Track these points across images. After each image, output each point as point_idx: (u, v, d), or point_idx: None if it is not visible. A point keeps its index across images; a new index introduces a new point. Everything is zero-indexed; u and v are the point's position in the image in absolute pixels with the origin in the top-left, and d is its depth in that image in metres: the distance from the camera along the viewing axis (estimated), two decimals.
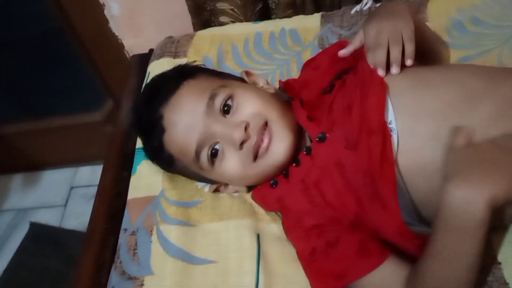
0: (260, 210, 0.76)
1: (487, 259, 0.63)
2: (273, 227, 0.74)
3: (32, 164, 1.75)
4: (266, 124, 0.69)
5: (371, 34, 0.69)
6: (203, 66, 0.85)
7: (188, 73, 0.75)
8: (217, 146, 0.69)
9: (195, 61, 0.92)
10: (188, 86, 0.72)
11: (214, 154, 0.70)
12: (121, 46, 1.25)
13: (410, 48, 0.67)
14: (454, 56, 0.89)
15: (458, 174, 0.52)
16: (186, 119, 0.69)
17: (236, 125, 0.67)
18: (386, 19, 0.70)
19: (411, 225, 0.62)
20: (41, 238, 1.59)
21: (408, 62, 0.67)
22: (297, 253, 0.69)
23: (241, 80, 0.79)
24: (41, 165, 1.76)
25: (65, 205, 1.64)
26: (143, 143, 0.80)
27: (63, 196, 1.66)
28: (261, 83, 0.80)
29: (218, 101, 0.69)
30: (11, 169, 1.76)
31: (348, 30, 0.97)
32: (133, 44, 1.23)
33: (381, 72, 0.67)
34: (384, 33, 0.68)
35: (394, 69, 0.67)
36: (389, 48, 0.67)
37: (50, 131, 1.65)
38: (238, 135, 0.67)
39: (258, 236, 0.72)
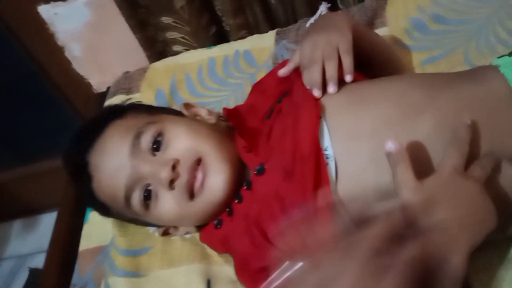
0: (212, 252, 0.70)
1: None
2: (226, 269, 0.68)
3: (30, 209, 1.75)
4: (200, 159, 0.64)
5: (305, 51, 0.64)
6: (139, 103, 0.80)
7: (117, 113, 0.71)
8: (150, 188, 0.65)
9: (129, 99, 0.88)
10: (114, 127, 0.67)
11: (147, 197, 0.65)
12: (89, 85, 1.23)
13: (347, 62, 0.61)
14: (417, 59, 0.82)
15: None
16: (111, 163, 0.65)
17: (163, 164, 0.63)
18: (320, 33, 0.64)
19: None
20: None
21: (347, 78, 0.61)
22: None
23: (180, 114, 0.75)
24: (38, 209, 1.75)
25: None
26: (77, 191, 0.76)
27: None
28: (202, 113, 0.75)
29: (146, 139, 0.64)
30: (9, 216, 1.77)
31: None
32: (101, 82, 1.21)
33: (316, 93, 0.61)
34: (318, 48, 0.62)
35: (331, 88, 0.61)
36: (324, 64, 0.61)
37: (42, 174, 1.65)
38: (165, 174, 0.62)
39: (208, 282, 0.67)
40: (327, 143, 0.58)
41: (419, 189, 0.47)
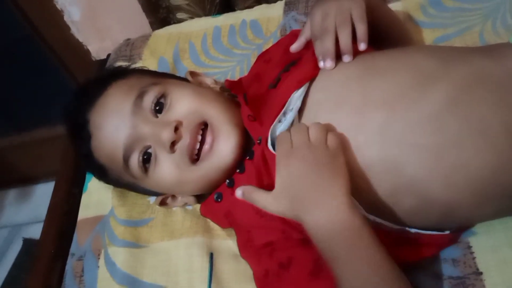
0: (214, 225, 0.69)
1: (465, 268, 0.56)
2: (229, 243, 0.67)
3: (25, 178, 1.73)
4: (203, 123, 0.62)
5: (316, 20, 0.61)
6: (142, 68, 0.77)
7: (119, 73, 0.68)
8: (150, 150, 0.62)
9: (129, 64, 0.85)
10: (116, 85, 0.65)
11: (147, 160, 0.62)
12: (87, 52, 1.19)
13: (362, 29, 0.59)
14: (430, 36, 0.80)
15: (301, 209, 0.51)
16: (111, 121, 0.62)
17: (165, 125, 0.60)
18: (331, 0, 0.61)
19: None
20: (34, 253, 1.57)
21: (362, 46, 0.59)
22: (253, 274, 0.61)
23: (185, 80, 0.72)
24: (33, 178, 1.73)
25: None
26: (76, 153, 0.73)
27: None
28: (208, 82, 0.72)
29: (148, 100, 0.62)
30: (4, 184, 1.74)
31: None
32: (100, 48, 1.17)
33: (329, 64, 0.59)
34: (330, 16, 0.59)
35: (346, 58, 0.58)
36: (337, 32, 0.59)
37: (38, 143, 1.62)
38: (166, 135, 0.59)
39: (211, 255, 0.66)
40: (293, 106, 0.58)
41: (275, 196, 0.54)
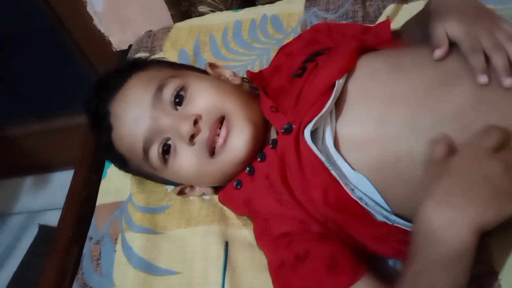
0: (231, 214, 0.70)
1: (483, 271, 0.56)
2: (244, 232, 0.68)
3: (42, 166, 1.75)
4: (223, 117, 0.63)
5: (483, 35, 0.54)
6: (162, 59, 0.78)
7: (139, 65, 0.69)
8: (169, 142, 0.63)
9: (150, 55, 0.86)
10: (136, 78, 0.66)
11: (166, 151, 0.64)
12: (109, 43, 1.20)
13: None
14: None
15: (436, 194, 0.45)
16: (132, 113, 0.63)
17: (185, 118, 0.61)
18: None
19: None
20: (50, 240, 1.60)
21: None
22: (268, 263, 0.62)
23: (204, 72, 0.73)
24: (51, 166, 1.76)
25: None
26: (96, 142, 0.75)
27: None
28: (227, 74, 0.73)
29: (168, 92, 0.63)
30: (22, 171, 1.77)
31: (334, 13, 0.89)
32: (121, 40, 1.18)
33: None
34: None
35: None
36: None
37: (57, 131, 1.65)
38: (186, 128, 0.60)
39: (226, 244, 0.67)
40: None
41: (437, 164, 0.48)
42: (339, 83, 0.57)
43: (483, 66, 0.51)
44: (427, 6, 0.62)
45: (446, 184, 0.46)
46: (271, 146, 0.62)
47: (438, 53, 0.54)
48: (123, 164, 0.70)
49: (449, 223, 0.44)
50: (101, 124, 0.67)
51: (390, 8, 0.83)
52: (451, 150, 0.49)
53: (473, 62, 0.52)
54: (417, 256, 0.47)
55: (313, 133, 0.57)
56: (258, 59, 0.88)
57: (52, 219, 1.63)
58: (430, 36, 0.56)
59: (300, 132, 0.57)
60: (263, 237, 0.63)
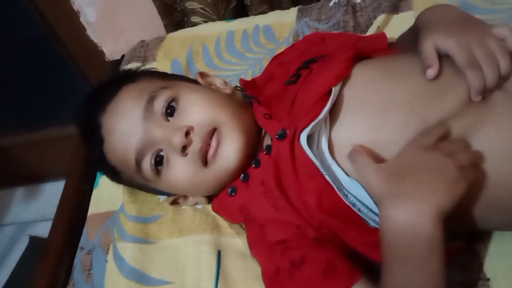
0: (223, 223, 0.70)
1: (473, 274, 0.56)
2: (237, 241, 0.68)
3: (33, 176, 1.74)
4: (215, 129, 0.63)
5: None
6: (152, 69, 0.79)
7: (130, 77, 0.69)
8: (162, 153, 0.63)
9: (142, 65, 0.86)
10: (127, 90, 0.66)
11: (159, 162, 0.64)
12: (102, 53, 1.21)
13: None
14: None
15: (388, 195, 0.48)
16: (123, 126, 0.63)
17: (176, 129, 0.61)
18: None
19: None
20: (41, 251, 1.58)
21: None
22: (261, 271, 0.62)
23: (194, 82, 0.73)
24: (42, 176, 1.74)
25: None
26: (89, 152, 0.75)
27: None
28: (218, 83, 0.73)
29: (159, 104, 0.63)
30: (12, 182, 1.76)
31: (325, 23, 0.90)
32: (114, 49, 1.19)
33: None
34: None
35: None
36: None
37: (48, 142, 1.63)
38: (178, 140, 0.60)
39: (219, 253, 0.66)
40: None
41: (380, 168, 0.50)
42: (335, 89, 0.57)
43: (481, 87, 0.52)
44: (415, 24, 0.64)
45: (393, 182, 0.48)
46: (265, 152, 0.63)
47: (431, 73, 0.55)
48: (116, 176, 0.70)
49: (409, 216, 0.45)
50: (92, 137, 0.67)
51: (380, 18, 0.85)
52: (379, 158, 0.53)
53: (471, 81, 0.53)
54: (390, 257, 0.48)
55: (308, 139, 0.57)
56: (251, 68, 0.88)
57: (43, 230, 1.61)
58: (419, 53, 0.57)
59: (296, 137, 0.57)
60: (258, 245, 0.62)
